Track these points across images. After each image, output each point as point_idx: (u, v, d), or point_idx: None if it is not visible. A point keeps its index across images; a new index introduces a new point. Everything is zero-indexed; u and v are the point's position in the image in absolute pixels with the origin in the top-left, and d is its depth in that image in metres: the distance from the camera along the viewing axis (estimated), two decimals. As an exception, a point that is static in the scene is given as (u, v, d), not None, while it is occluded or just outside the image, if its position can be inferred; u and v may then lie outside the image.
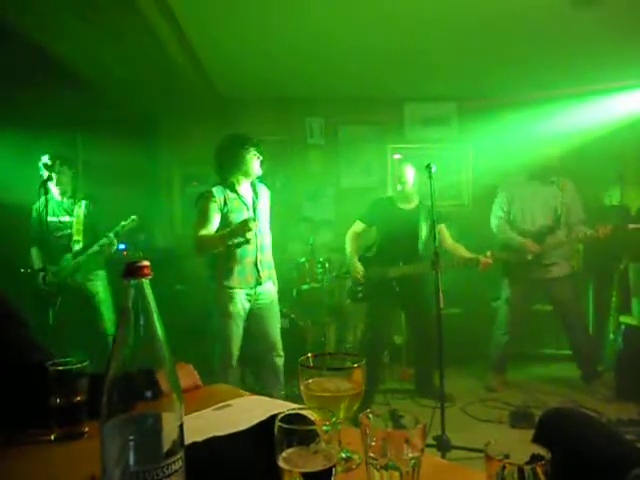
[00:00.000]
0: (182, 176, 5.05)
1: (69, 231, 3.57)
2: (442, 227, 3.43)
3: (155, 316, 0.59)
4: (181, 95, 4.59)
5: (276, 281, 3.08)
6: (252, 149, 2.85)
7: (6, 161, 4.17)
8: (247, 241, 2.76)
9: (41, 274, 3.44)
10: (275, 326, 3.00)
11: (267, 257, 2.96)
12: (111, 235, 3.48)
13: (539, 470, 0.55)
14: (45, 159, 3.48)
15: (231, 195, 2.85)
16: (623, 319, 3.75)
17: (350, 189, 4.98)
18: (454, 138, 5.11)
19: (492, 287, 4.37)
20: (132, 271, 0.59)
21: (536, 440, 1.06)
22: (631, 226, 3.31)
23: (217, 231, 2.80)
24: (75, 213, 3.60)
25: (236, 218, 2.79)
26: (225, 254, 2.80)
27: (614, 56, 3.88)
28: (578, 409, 1.50)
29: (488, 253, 3.27)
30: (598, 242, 3.57)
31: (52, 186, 3.52)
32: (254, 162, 2.86)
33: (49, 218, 3.49)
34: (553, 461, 0.56)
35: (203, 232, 2.75)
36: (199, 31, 3.47)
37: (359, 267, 3.53)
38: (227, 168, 2.88)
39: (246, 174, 2.88)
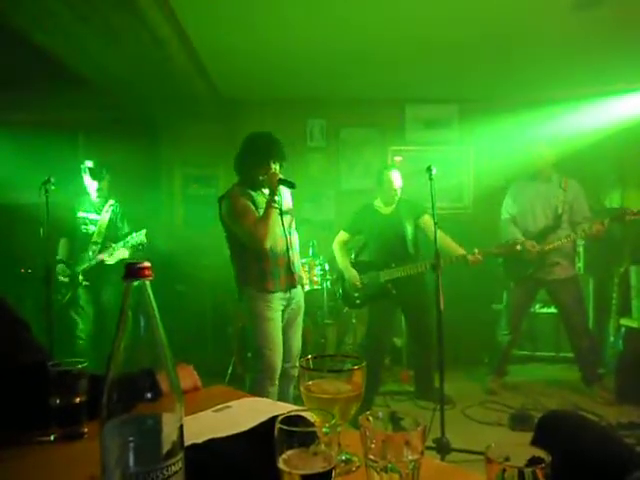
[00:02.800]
0: (183, 177, 5.04)
1: (94, 228, 3.71)
2: (427, 218, 3.39)
3: (155, 317, 0.59)
4: (182, 96, 4.59)
5: (305, 285, 2.92)
6: (276, 163, 2.68)
7: (7, 162, 4.18)
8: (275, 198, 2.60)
9: (60, 265, 3.62)
10: (298, 336, 2.85)
11: (297, 258, 2.82)
12: (115, 246, 3.60)
13: (539, 473, 0.55)
14: (89, 164, 3.70)
15: (253, 193, 2.71)
16: (623, 321, 3.75)
17: (351, 191, 4.96)
18: (455, 140, 5.11)
19: (492, 290, 4.37)
20: (133, 272, 0.59)
21: (535, 443, 1.06)
22: (628, 217, 3.30)
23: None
24: (102, 215, 3.75)
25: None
26: (256, 255, 2.65)
27: (615, 59, 3.88)
28: (576, 412, 1.50)
29: (476, 250, 3.27)
30: (597, 240, 3.56)
31: (90, 186, 3.73)
32: (276, 177, 2.64)
33: (80, 214, 3.69)
34: (552, 464, 0.56)
35: (252, 221, 2.59)
36: (201, 32, 3.47)
37: (354, 273, 3.52)
38: (248, 174, 2.72)
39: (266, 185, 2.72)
